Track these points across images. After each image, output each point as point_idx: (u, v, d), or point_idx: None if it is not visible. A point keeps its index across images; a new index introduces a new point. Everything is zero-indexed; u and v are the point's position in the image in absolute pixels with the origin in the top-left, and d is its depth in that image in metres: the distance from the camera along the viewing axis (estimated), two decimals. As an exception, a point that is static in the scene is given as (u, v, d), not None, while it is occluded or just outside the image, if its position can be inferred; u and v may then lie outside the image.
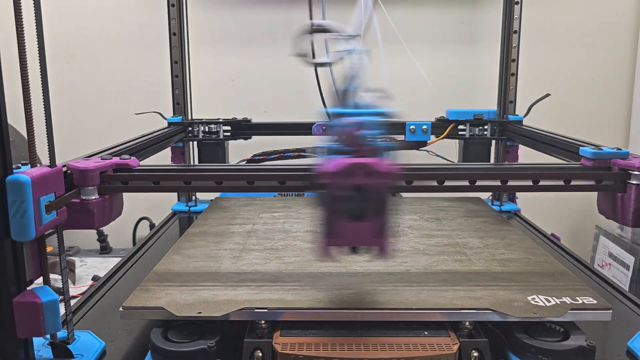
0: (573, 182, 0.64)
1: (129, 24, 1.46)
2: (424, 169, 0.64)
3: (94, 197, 0.60)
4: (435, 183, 0.63)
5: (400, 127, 1.11)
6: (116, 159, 0.64)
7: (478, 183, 0.63)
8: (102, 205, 0.61)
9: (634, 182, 0.61)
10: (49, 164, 0.54)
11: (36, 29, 0.52)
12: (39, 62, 0.52)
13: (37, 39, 0.52)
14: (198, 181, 0.63)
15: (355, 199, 0.51)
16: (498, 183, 0.64)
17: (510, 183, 0.63)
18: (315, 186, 0.54)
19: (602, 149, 0.66)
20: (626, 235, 1.30)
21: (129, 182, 0.63)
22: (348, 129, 0.52)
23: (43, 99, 0.53)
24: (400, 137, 0.75)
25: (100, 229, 1.33)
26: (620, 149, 0.66)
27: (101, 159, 0.63)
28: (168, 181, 0.64)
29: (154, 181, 0.63)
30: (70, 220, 0.58)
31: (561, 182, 0.63)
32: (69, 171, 0.59)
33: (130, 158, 0.65)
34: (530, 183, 0.63)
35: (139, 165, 0.66)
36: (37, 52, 0.52)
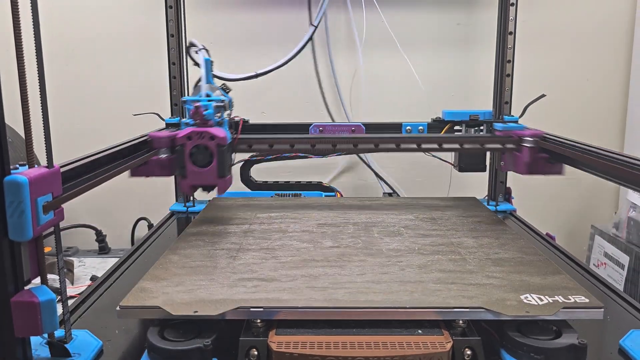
0: (487, 145, 0.98)
1: (127, 25, 1.46)
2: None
3: (166, 155, 0.89)
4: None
5: (397, 128, 1.12)
6: (180, 132, 0.88)
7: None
8: (170, 161, 0.89)
9: (526, 145, 0.93)
10: (46, 164, 0.55)
11: (33, 30, 0.52)
12: (37, 63, 0.52)
13: (34, 40, 0.52)
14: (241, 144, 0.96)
15: (198, 152, 0.84)
16: (435, 145, 0.96)
17: (445, 145, 0.96)
18: (175, 147, 0.85)
19: (507, 124, 1.05)
20: (621, 235, 1.31)
21: None
22: (193, 108, 0.85)
23: (40, 99, 0.53)
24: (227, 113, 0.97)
25: (99, 229, 1.34)
26: (520, 124, 1.04)
27: (168, 132, 0.91)
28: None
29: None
30: (151, 171, 0.88)
31: (478, 145, 0.98)
32: (149, 139, 0.88)
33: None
34: (457, 146, 0.97)
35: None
36: (35, 52, 0.52)
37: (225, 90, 0.96)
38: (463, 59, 1.48)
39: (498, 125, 1.05)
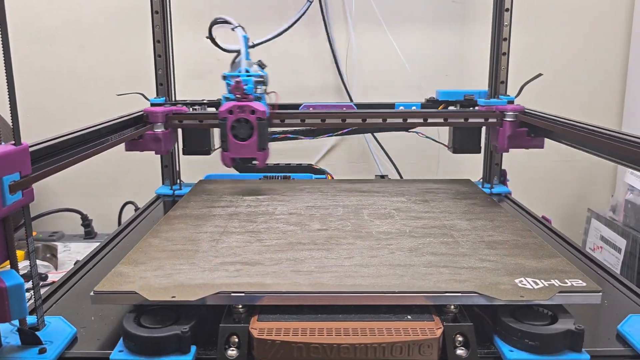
0: (470, 120, 0.99)
1: (111, 3, 1.42)
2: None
3: (161, 130, 0.97)
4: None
5: (390, 108, 1.09)
6: (173, 107, 1.01)
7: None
8: (166, 135, 0.98)
9: (507, 119, 0.96)
10: (13, 141, 0.52)
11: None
12: (0, 38, 0.49)
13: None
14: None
15: (240, 126, 0.88)
16: (420, 120, 0.98)
17: (430, 120, 0.98)
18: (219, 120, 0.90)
19: (489, 100, 1.06)
20: (618, 218, 1.29)
21: (183, 121, 0.99)
22: (234, 83, 0.89)
23: (6, 75, 0.50)
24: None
25: (85, 213, 1.31)
26: (501, 100, 1.05)
27: (164, 107, 0.99)
28: (210, 120, 0.98)
29: (199, 120, 0.99)
30: (144, 146, 0.96)
31: (462, 120, 0.99)
32: (145, 113, 0.96)
33: (182, 107, 1.03)
34: (442, 120, 0.98)
35: (188, 112, 1.02)
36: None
37: (261, 66, 0.97)
38: (458, 37, 1.44)
39: (481, 101, 1.06)
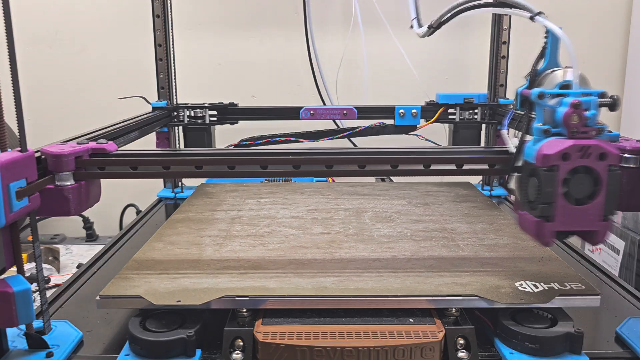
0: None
1: (112, 7, 1.43)
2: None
3: (69, 183, 0.58)
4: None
5: (390, 111, 1.09)
6: (93, 144, 0.62)
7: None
8: (78, 191, 0.59)
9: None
10: (20, 148, 0.52)
11: (3, 10, 0.49)
12: (7, 43, 0.50)
13: (4, 21, 0.49)
14: (177, 166, 0.61)
15: (580, 180, 0.51)
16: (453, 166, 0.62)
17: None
18: (528, 170, 0.53)
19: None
20: (616, 220, 1.30)
21: (106, 168, 0.60)
22: (569, 109, 0.51)
23: (12, 81, 0.51)
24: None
25: (87, 216, 1.31)
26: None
27: (77, 144, 0.61)
28: (146, 166, 0.61)
29: (132, 166, 0.61)
30: (45, 207, 0.55)
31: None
32: (42, 156, 0.57)
33: (107, 142, 0.63)
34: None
35: (117, 150, 0.63)
36: (5, 34, 0.50)
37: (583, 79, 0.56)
38: (458, 40, 1.45)
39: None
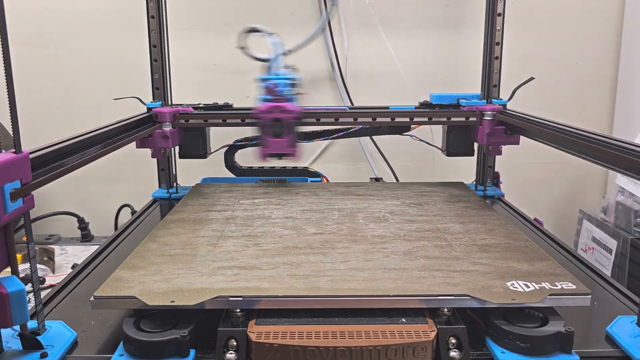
0: (453, 119, 1.09)
1: (107, 7, 1.43)
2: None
3: (169, 129, 1.05)
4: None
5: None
6: (180, 108, 1.09)
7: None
8: (174, 134, 1.06)
9: (486, 118, 1.05)
10: (14, 150, 0.52)
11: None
12: (1, 44, 0.50)
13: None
14: (232, 119, 1.06)
15: (276, 125, 0.97)
16: (407, 119, 1.07)
17: (415, 119, 1.07)
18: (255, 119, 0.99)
19: (470, 100, 1.12)
20: (609, 220, 1.31)
21: (189, 120, 1.08)
22: (270, 86, 0.97)
23: (6, 82, 0.51)
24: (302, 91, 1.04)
25: (82, 216, 1.32)
26: (482, 101, 1.13)
27: (171, 107, 1.08)
28: (214, 119, 1.07)
29: (204, 119, 1.08)
30: (155, 144, 1.05)
31: (445, 119, 1.09)
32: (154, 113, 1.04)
33: (188, 107, 1.10)
34: (426, 119, 1.08)
35: (193, 112, 1.09)
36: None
37: (293, 69, 1.04)
38: (451, 41, 1.46)
39: (463, 102, 1.12)
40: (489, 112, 1.05)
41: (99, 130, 0.78)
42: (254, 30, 1.01)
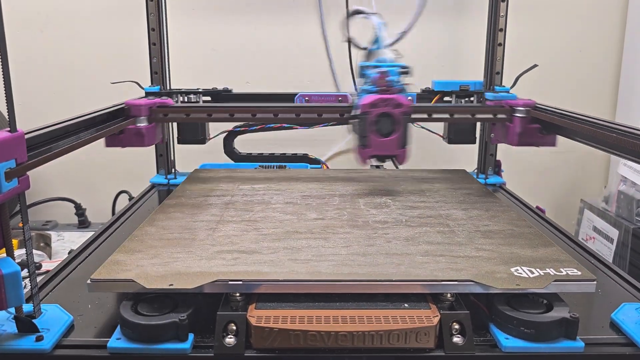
0: (478, 115, 0.95)
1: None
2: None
3: (144, 124, 0.90)
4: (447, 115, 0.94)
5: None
6: (158, 100, 0.95)
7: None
8: (150, 130, 0.92)
9: (518, 115, 0.91)
10: (9, 128, 0.51)
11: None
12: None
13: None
14: (217, 114, 0.91)
15: (384, 121, 0.79)
16: (425, 115, 0.92)
17: (434, 115, 0.93)
18: (354, 115, 0.81)
19: (498, 94, 1.00)
20: (611, 209, 1.30)
21: (168, 115, 0.93)
22: (379, 75, 0.79)
23: (1, 64, 0.49)
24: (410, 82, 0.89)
25: (79, 202, 1.30)
26: (512, 94, 1.00)
27: (147, 99, 0.94)
28: (196, 113, 0.92)
29: (186, 113, 0.92)
30: (128, 141, 0.89)
31: (469, 115, 0.94)
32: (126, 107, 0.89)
33: (167, 99, 0.97)
34: (447, 115, 0.94)
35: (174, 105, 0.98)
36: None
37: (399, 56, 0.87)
38: (454, 27, 1.44)
39: (489, 95, 1.01)
40: (522, 108, 0.90)
41: (95, 113, 0.77)
42: (357, 12, 0.88)
